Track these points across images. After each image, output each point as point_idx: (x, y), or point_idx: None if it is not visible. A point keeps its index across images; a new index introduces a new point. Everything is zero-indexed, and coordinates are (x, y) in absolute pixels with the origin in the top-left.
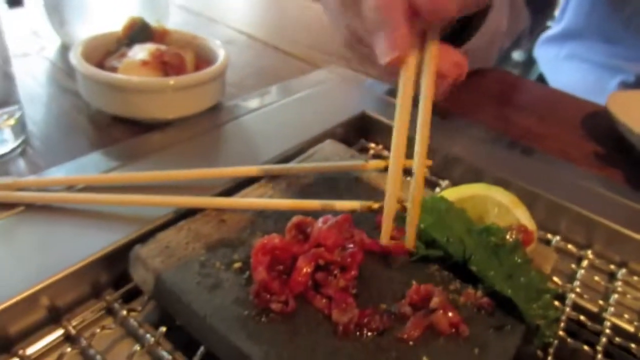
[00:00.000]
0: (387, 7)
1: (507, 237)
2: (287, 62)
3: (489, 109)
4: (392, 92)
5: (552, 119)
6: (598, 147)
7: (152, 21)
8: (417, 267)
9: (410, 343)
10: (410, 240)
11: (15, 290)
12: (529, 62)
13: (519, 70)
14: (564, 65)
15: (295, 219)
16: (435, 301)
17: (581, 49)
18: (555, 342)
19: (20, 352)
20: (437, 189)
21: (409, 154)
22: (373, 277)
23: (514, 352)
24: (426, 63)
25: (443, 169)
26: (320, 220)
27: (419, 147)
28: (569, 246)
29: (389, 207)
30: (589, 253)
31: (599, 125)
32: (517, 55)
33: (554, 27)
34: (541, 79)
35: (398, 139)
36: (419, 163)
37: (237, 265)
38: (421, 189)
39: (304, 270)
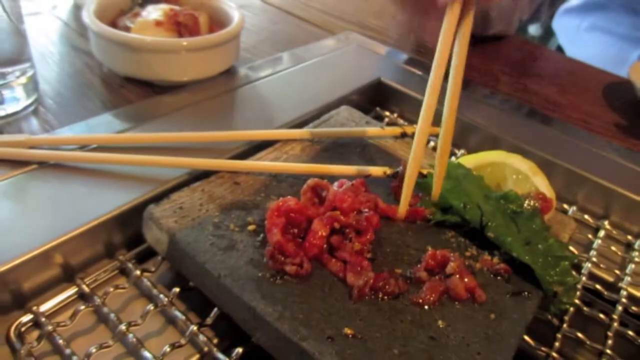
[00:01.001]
0: None
1: (525, 204)
2: (302, 28)
3: (508, 78)
4: (409, 61)
5: (573, 88)
6: (619, 118)
7: None
8: (433, 233)
9: (426, 307)
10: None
11: (28, 247)
12: (546, 36)
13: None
14: (585, 37)
15: (311, 181)
16: (451, 266)
17: (604, 21)
18: (571, 309)
19: (34, 308)
20: (453, 158)
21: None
22: (388, 242)
23: (531, 318)
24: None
25: (459, 137)
26: (336, 183)
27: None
28: (586, 216)
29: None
30: (606, 224)
31: (620, 96)
32: (533, 30)
33: None
34: (558, 52)
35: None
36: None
37: (251, 227)
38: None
39: (320, 233)
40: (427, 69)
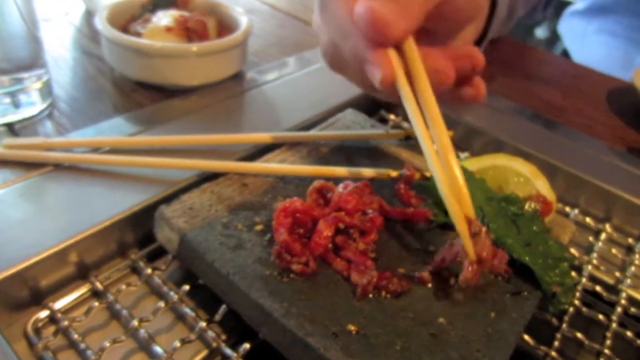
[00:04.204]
0: (360, 45)
1: (526, 206)
2: (309, 32)
3: (512, 82)
4: None
5: (576, 93)
6: (622, 122)
7: None
8: (436, 234)
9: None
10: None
11: (45, 245)
12: (552, 39)
13: (541, 47)
14: (591, 40)
15: (316, 183)
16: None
17: (610, 24)
18: (571, 309)
19: (51, 304)
20: None
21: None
22: (392, 242)
23: (529, 317)
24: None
25: (463, 140)
26: (341, 185)
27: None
28: (588, 219)
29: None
30: (607, 226)
31: (624, 100)
32: (539, 33)
33: (581, 1)
34: (564, 55)
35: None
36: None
37: (259, 227)
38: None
39: (325, 233)
40: None
